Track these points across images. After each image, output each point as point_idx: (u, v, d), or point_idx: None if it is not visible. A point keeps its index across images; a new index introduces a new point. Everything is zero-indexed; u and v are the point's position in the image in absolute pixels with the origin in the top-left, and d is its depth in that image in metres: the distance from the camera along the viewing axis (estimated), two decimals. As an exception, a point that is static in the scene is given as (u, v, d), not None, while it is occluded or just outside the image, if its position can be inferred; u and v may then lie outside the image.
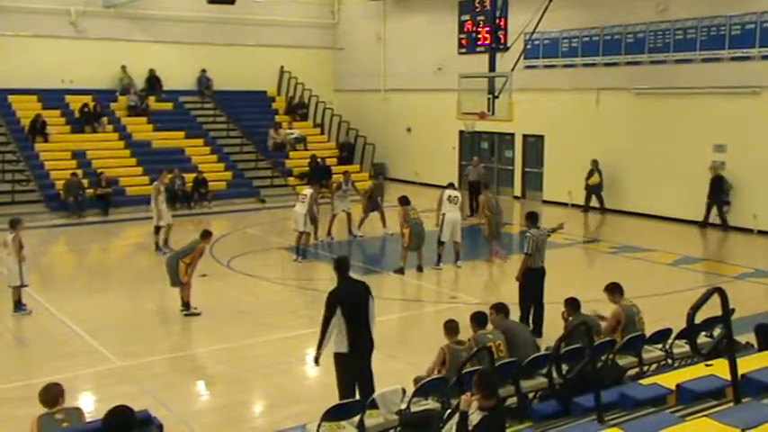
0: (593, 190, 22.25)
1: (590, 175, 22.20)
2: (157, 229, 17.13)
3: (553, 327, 9.83)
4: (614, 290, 9.38)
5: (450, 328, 8.11)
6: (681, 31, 20.22)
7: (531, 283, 11.12)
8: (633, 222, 21.04)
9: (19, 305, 12.36)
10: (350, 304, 7.92)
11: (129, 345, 11.04)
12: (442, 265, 15.62)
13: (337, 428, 6.98)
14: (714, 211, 19.52)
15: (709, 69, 19.64)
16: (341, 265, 8.18)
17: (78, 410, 6.54)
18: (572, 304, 9.04)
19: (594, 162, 22.06)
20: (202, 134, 27.00)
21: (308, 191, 16.69)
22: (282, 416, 8.68)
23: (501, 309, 8.77)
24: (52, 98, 25.74)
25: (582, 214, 22.16)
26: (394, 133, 29.13)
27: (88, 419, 6.51)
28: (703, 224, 19.66)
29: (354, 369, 7.97)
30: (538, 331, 10.83)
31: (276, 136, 27.63)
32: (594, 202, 22.33)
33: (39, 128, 24.12)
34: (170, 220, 17.31)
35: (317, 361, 7.96)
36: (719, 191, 19.30)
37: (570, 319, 8.98)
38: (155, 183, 17.62)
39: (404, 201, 15.48)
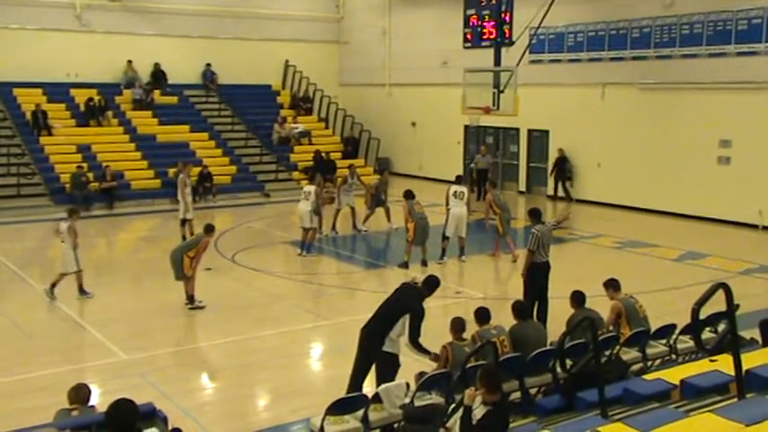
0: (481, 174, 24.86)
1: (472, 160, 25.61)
2: (183, 221, 17.02)
3: (556, 321, 9.81)
4: (608, 285, 9.47)
5: (457, 324, 8.05)
6: (687, 25, 20.16)
7: (536, 278, 11.10)
8: (637, 218, 21.02)
9: (82, 289, 13.13)
10: (384, 300, 8.41)
11: (134, 338, 11.06)
12: (446, 259, 15.63)
13: (341, 422, 6.99)
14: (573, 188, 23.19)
15: (715, 64, 19.58)
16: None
17: (93, 409, 6.64)
18: (576, 299, 9.03)
19: (482, 149, 25.15)
20: (207, 128, 27.01)
21: (310, 187, 16.64)
22: (287, 409, 8.70)
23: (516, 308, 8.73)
24: (57, 91, 25.77)
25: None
26: (399, 128, 29.11)
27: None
28: (553, 197, 23.81)
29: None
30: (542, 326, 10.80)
31: (281, 130, 27.64)
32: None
33: (41, 120, 24.14)
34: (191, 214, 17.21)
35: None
36: (562, 170, 23.37)
37: (574, 313, 8.96)
38: (180, 176, 17.34)
39: (409, 195, 15.42)
